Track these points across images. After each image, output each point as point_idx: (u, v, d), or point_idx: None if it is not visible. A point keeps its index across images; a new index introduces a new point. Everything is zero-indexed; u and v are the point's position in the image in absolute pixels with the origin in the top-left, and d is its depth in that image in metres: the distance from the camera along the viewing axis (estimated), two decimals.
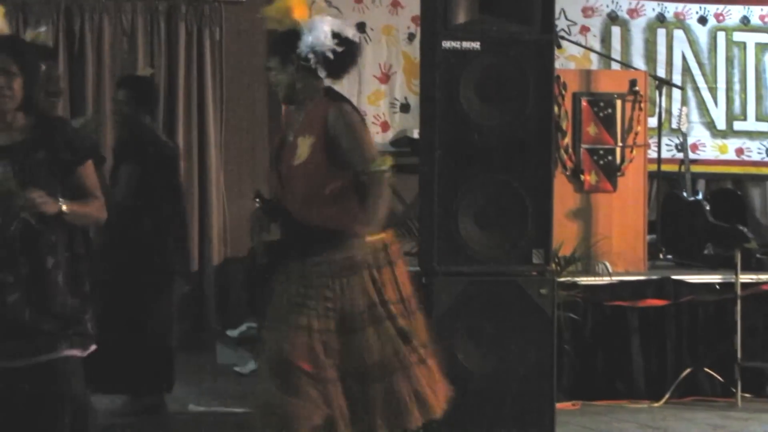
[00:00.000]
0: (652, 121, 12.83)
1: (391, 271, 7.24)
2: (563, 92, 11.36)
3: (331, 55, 7.37)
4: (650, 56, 15.44)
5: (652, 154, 12.75)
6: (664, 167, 13.46)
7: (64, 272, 5.93)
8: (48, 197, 5.68)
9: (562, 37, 12.55)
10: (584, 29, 15.13)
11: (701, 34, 15.76)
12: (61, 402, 5.96)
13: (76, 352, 6.00)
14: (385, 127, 14.34)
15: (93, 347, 6.16)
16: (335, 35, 7.48)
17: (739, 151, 15.81)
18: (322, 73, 7.40)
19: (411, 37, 13.86)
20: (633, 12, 15.53)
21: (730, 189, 14.77)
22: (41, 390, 5.89)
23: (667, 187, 13.81)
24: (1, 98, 5.73)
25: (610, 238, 11.64)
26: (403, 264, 7.46)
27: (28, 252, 5.78)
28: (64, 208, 5.73)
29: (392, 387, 7.12)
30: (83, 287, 6.05)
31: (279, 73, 7.44)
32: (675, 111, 14.21)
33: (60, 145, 5.93)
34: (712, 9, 15.75)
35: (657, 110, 13.10)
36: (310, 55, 7.40)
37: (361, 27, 14.54)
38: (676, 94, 14.61)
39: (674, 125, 14.06)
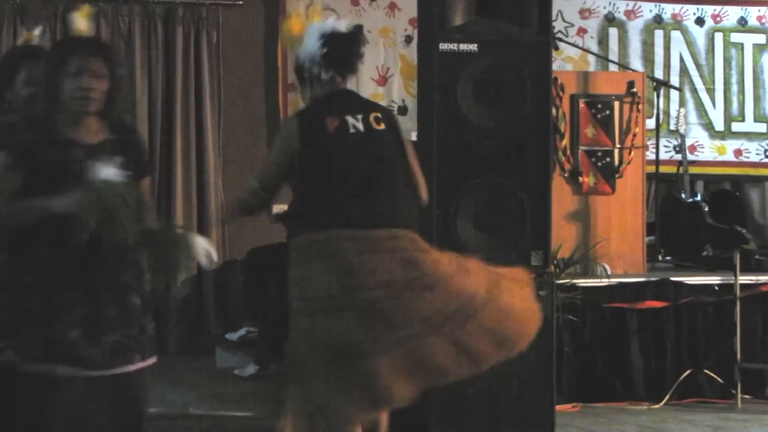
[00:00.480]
0: (650, 123, 12.85)
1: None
2: (561, 94, 11.39)
3: (318, 60, 7.53)
4: (648, 58, 15.45)
5: (651, 155, 12.77)
6: (663, 169, 13.50)
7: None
8: None
9: (560, 39, 12.60)
10: (581, 31, 15.14)
11: (699, 35, 15.77)
12: (139, 414, 6.13)
13: (150, 362, 6.14)
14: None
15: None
16: (322, 37, 7.59)
17: (738, 153, 15.81)
18: (326, 75, 7.57)
19: (408, 39, 13.88)
20: (630, 13, 15.54)
21: (728, 190, 14.79)
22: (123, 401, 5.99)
23: (666, 188, 13.84)
24: (89, 100, 5.76)
25: (609, 239, 11.66)
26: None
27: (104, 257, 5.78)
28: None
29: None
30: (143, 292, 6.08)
31: (301, 93, 7.96)
32: (673, 112, 14.23)
33: (133, 152, 6.02)
34: (709, 10, 15.77)
35: (655, 112, 13.11)
36: (305, 68, 7.67)
37: (361, 28, 14.58)
38: (674, 95, 14.61)
39: (672, 127, 14.09)
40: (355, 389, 6.85)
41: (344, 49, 7.78)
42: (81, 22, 6.24)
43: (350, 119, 7.56)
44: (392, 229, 7.32)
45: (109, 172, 5.62)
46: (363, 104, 7.92)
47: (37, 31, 9.32)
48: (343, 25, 8.07)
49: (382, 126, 7.62)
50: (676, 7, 15.70)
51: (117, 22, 14.51)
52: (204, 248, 5.86)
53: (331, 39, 7.65)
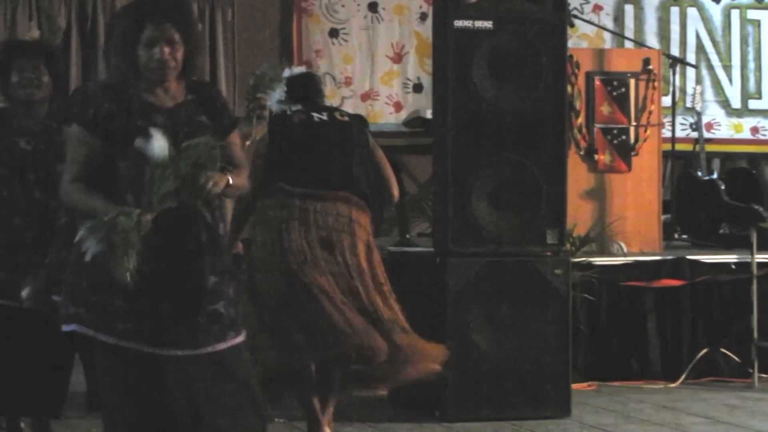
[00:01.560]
0: (666, 100, 12.82)
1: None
2: (576, 71, 11.37)
3: (277, 101, 8.44)
4: (664, 35, 15.41)
5: (667, 133, 12.72)
6: (679, 146, 13.48)
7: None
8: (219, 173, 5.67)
9: (575, 16, 12.54)
10: (597, 8, 15.11)
11: (715, 12, 15.74)
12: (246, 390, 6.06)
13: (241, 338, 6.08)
14: (398, 107, 14.33)
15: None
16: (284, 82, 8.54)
17: (755, 130, 15.79)
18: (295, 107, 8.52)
19: (423, 16, 13.84)
20: None
21: (745, 168, 14.75)
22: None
23: (682, 166, 13.82)
24: (165, 70, 5.76)
25: (625, 218, 11.64)
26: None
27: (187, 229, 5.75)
28: (230, 180, 5.69)
29: None
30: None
31: None
32: (689, 90, 14.20)
33: (217, 109, 6.00)
34: None
35: (671, 89, 13.08)
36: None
37: (373, 7, 14.58)
38: (690, 72, 14.62)
39: (689, 104, 14.05)
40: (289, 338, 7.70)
41: (300, 87, 8.62)
42: None
43: (315, 114, 8.28)
44: (339, 192, 8.03)
45: (158, 143, 5.53)
46: (329, 107, 8.85)
47: (36, 33, 9.28)
48: (297, 70, 8.83)
49: (346, 118, 8.44)
50: None
51: None
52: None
53: (288, 83, 8.38)
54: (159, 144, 5.47)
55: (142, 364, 5.63)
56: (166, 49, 5.70)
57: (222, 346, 5.80)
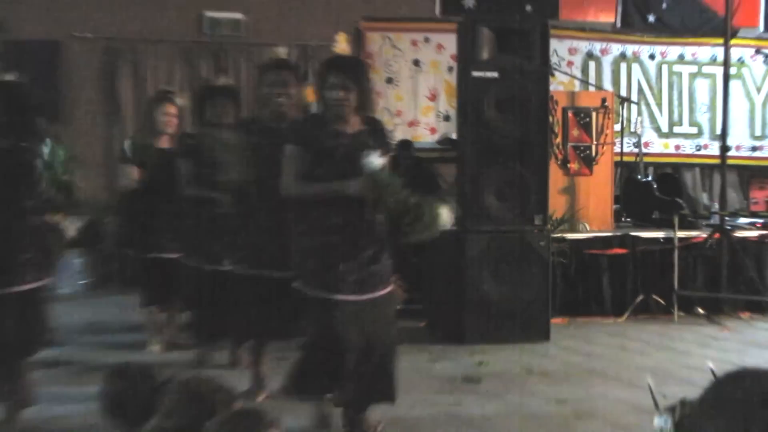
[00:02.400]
0: (617, 127, 12.66)
1: None
2: (555, 107, 11.29)
3: None
4: (616, 81, 15.31)
5: (617, 149, 12.57)
6: (625, 158, 13.33)
7: None
8: None
9: (555, 69, 12.40)
10: (570, 63, 15.02)
11: (651, 66, 15.61)
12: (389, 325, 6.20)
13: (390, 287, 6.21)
14: (433, 131, 14.28)
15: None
16: None
17: (677, 147, 15.67)
18: None
19: (450, 69, 13.69)
20: (603, 51, 15.37)
21: (670, 173, 14.60)
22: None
23: (627, 172, 13.68)
24: (342, 107, 5.93)
25: (588, 207, 11.58)
26: None
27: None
28: None
29: None
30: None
31: None
32: (633, 119, 14.04)
33: (380, 137, 6.12)
34: (658, 49, 15.58)
35: (620, 119, 12.94)
36: None
37: (416, 62, 14.48)
38: (634, 108, 14.44)
39: (632, 129, 13.91)
40: None
41: None
42: (341, 45, 6.29)
43: None
44: None
45: (375, 160, 5.79)
46: None
47: (224, 81, 9.22)
48: None
49: None
50: (635, 47, 15.51)
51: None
52: (445, 215, 5.90)
53: None
54: (376, 162, 5.77)
55: (337, 306, 5.87)
56: (341, 92, 5.88)
57: (378, 293, 5.96)
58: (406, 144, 12.20)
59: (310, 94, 9.90)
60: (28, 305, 5.85)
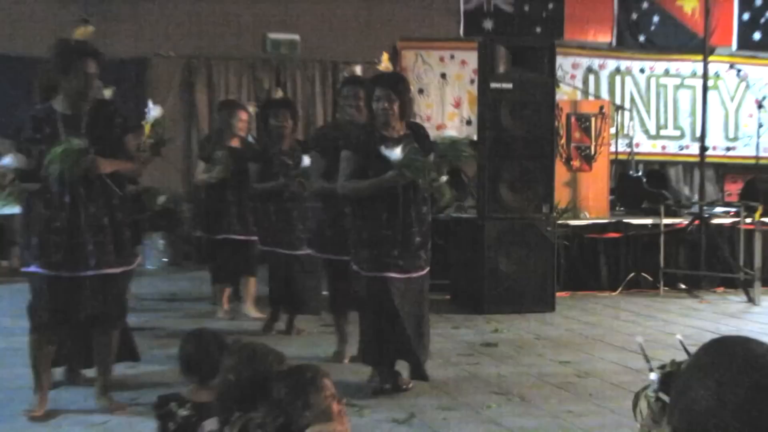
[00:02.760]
0: (612, 130, 12.61)
1: None
2: (560, 113, 11.25)
3: None
4: (611, 92, 15.25)
5: (612, 149, 12.51)
6: (619, 157, 13.32)
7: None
8: None
9: (560, 81, 12.35)
10: (572, 76, 14.96)
11: (641, 79, 15.56)
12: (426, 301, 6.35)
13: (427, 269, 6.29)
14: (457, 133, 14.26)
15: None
16: None
17: (663, 147, 15.64)
18: None
19: (472, 81, 13.62)
20: (601, 66, 15.34)
21: (657, 169, 14.51)
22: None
23: (621, 168, 13.62)
24: (387, 115, 6.01)
25: (588, 197, 11.55)
26: None
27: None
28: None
29: None
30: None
31: None
32: (626, 124, 14.00)
33: (421, 139, 6.23)
34: (647, 64, 15.54)
35: (615, 123, 12.91)
36: None
37: (443, 76, 14.49)
38: (626, 114, 14.35)
39: (625, 132, 13.88)
40: None
41: None
42: (385, 63, 6.40)
43: None
44: None
45: (396, 152, 5.88)
46: None
47: (280, 93, 9.23)
48: None
49: None
50: (628, 63, 15.47)
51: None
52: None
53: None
54: (396, 154, 5.82)
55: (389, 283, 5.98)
56: (386, 104, 5.99)
57: (419, 273, 6.12)
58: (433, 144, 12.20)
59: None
60: (121, 284, 5.79)
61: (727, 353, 1.49)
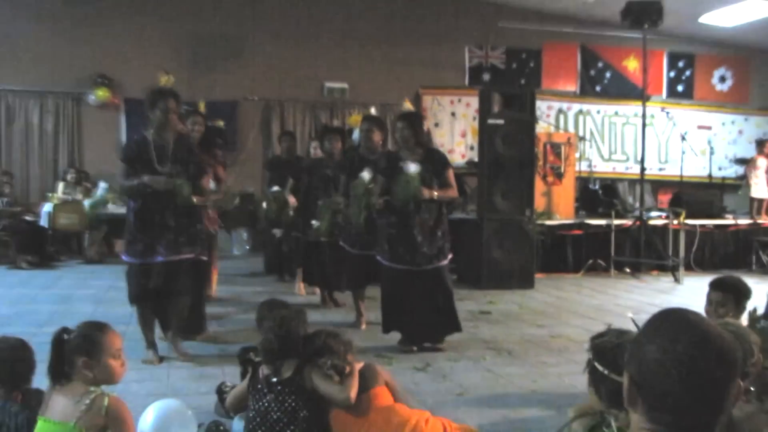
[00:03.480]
0: (577, 155, 12.42)
1: None
2: (538, 142, 11.05)
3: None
4: (576, 127, 15.05)
5: (577, 168, 12.31)
6: (582, 174, 13.13)
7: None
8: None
9: (538, 119, 12.09)
10: (548, 115, 14.73)
11: (597, 117, 15.34)
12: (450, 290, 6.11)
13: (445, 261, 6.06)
14: (463, 156, 14.09)
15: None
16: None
17: (614, 168, 15.39)
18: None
19: (474, 118, 13.44)
20: (568, 108, 15.09)
21: (609, 184, 14.16)
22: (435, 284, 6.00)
23: (583, 183, 13.38)
24: (408, 142, 5.93)
25: (558, 204, 11.34)
26: None
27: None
28: (435, 194, 5.86)
29: None
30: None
31: None
32: (587, 150, 13.85)
33: (436, 161, 5.98)
34: (602, 107, 15.28)
35: (579, 150, 12.68)
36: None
37: (453, 114, 14.34)
38: (587, 143, 14.22)
39: (586, 156, 13.75)
40: None
41: None
42: (407, 105, 6.35)
43: None
44: None
45: (412, 167, 5.73)
46: None
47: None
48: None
49: None
50: (588, 106, 15.24)
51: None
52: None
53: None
54: (413, 168, 5.73)
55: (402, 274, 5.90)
56: (406, 131, 5.90)
57: (428, 266, 5.90)
58: None
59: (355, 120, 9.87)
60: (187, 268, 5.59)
61: (669, 319, 1.52)
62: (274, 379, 3.43)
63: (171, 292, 5.43)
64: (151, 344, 5.51)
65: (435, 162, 5.99)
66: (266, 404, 3.39)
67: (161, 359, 5.45)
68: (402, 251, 5.88)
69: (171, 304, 5.52)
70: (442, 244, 5.98)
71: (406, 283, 5.91)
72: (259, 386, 3.47)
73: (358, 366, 3.58)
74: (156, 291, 5.38)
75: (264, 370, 3.51)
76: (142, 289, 5.39)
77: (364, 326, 6.83)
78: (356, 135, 7.60)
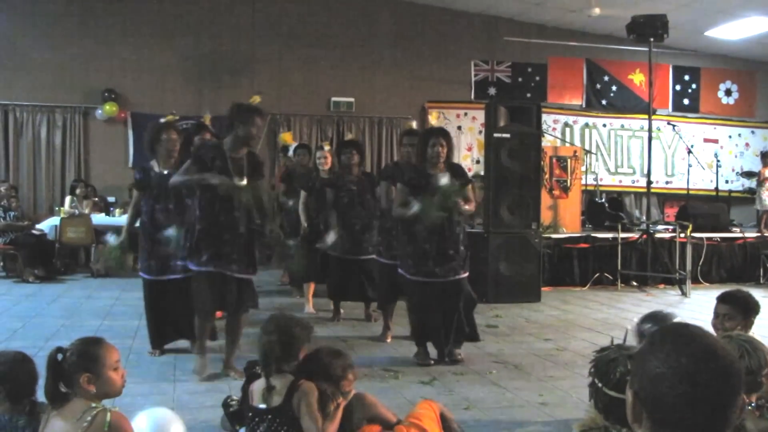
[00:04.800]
0: (583, 168, 12.40)
1: None
2: (545, 156, 11.08)
3: None
4: (582, 141, 15.08)
5: (583, 182, 12.32)
6: (588, 188, 13.10)
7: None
8: None
9: (544, 132, 12.15)
10: (554, 129, 14.86)
11: (603, 131, 15.41)
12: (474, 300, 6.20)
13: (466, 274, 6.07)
14: (470, 170, 14.04)
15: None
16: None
17: (620, 181, 15.43)
18: None
19: (480, 132, 13.54)
20: (574, 122, 15.18)
21: (616, 197, 14.26)
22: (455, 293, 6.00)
23: (589, 196, 13.36)
24: (437, 157, 5.95)
25: (565, 217, 11.37)
26: None
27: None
28: (464, 206, 5.94)
29: None
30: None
31: None
32: (593, 164, 13.85)
33: (459, 174, 6.08)
34: (608, 120, 15.37)
35: (585, 163, 12.68)
36: None
37: (459, 128, 14.35)
38: (593, 157, 14.23)
39: (592, 170, 13.70)
40: None
41: None
42: (433, 119, 6.42)
43: None
44: None
45: (444, 180, 5.87)
46: None
47: (351, 136, 8.99)
48: None
49: None
50: (594, 119, 15.32)
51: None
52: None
53: None
54: (444, 181, 5.87)
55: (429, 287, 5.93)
56: (440, 149, 5.92)
57: (453, 278, 5.94)
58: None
59: (287, 137, 10.35)
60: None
61: (672, 334, 1.51)
62: (263, 406, 3.39)
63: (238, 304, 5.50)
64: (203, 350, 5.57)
65: (459, 176, 6.06)
66: None
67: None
68: (431, 264, 5.89)
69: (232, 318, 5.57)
70: (465, 255, 6.05)
71: (435, 294, 5.93)
72: (250, 414, 3.44)
73: (352, 393, 3.57)
74: (229, 303, 5.43)
75: (255, 386, 3.48)
76: (217, 300, 5.42)
77: (389, 338, 6.94)
78: (291, 152, 7.96)
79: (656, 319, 3.99)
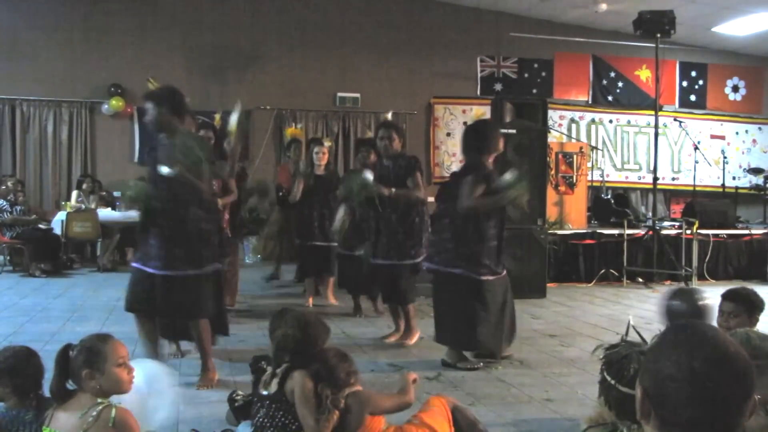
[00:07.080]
0: (589, 164, 12.39)
1: None
2: (550, 152, 11.09)
3: None
4: (588, 136, 15.09)
5: (589, 178, 12.31)
6: (594, 184, 13.06)
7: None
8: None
9: (550, 128, 12.14)
10: (560, 125, 14.85)
11: (610, 127, 15.41)
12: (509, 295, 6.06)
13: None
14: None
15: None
16: None
17: (626, 177, 15.46)
18: None
19: None
20: (581, 118, 15.20)
21: (622, 193, 14.22)
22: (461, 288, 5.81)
23: (595, 192, 13.33)
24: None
25: (571, 213, 11.37)
26: None
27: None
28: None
29: None
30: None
31: None
32: (599, 160, 13.77)
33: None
34: (614, 116, 15.40)
35: (591, 159, 12.66)
36: None
37: (465, 123, 14.13)
38: (599, 153, 14.12)
39: (598, 166, 13.64)
40: None
41: None
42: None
43: None
44: None
45: (507, 175, 5.85)
46: None
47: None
48: None
49: None
50: (600, 115, 15.33)
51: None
52: None
53: None
54: (508, 176, 5.87)
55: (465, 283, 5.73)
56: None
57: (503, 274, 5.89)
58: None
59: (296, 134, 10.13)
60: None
61: (685, 334, 1.49)
62: (264, 393, 3.40)
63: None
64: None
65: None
66: (260, 420, 3.38)
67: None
68: (488, 262, 5.75)
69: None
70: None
71: (491, 294, 5.78)
72: (254, 399, 3.45)
73: (355, 388, 3.44)
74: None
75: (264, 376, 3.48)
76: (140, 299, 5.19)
77: (395, 338, 6.81)
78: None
79: (684, 294, 3.98)
